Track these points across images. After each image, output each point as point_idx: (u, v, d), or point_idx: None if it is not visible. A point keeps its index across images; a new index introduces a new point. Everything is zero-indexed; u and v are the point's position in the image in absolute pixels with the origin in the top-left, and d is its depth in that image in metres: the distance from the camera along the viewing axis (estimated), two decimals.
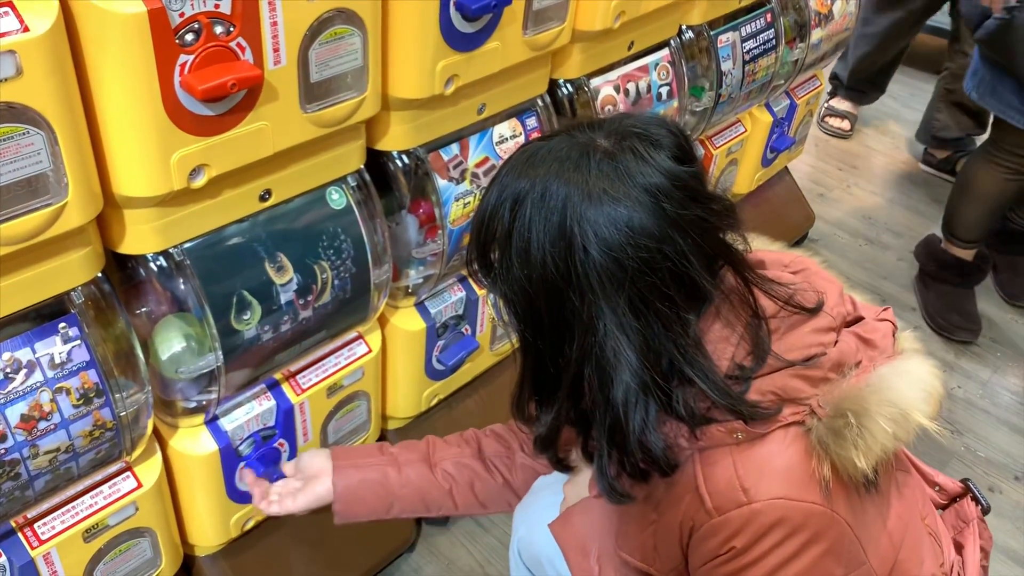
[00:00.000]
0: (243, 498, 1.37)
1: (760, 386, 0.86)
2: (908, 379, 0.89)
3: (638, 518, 0.95)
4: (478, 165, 1.44)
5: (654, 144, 0.84)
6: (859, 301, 0.99)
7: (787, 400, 0.86)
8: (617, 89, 1.65)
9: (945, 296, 2.44)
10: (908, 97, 3.66)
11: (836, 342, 0.90)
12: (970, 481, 1.15)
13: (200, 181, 1.04)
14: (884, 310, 0.99)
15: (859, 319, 0.96)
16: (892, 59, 3.08)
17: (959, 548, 1.10)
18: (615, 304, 0.81)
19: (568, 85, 1.60)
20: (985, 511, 1.14)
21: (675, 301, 0.82)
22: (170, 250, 1.11)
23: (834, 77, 3.25)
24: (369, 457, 1.20)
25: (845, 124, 3.25)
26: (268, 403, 1.33)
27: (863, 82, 3.17)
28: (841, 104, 3.26)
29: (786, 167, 2.65)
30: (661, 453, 0.86)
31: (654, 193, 0.81)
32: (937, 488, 1.16)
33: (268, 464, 1.33)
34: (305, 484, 1.18)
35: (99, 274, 1.08)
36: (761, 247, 1.10)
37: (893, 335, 0.96)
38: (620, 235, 0.80)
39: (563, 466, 1.03)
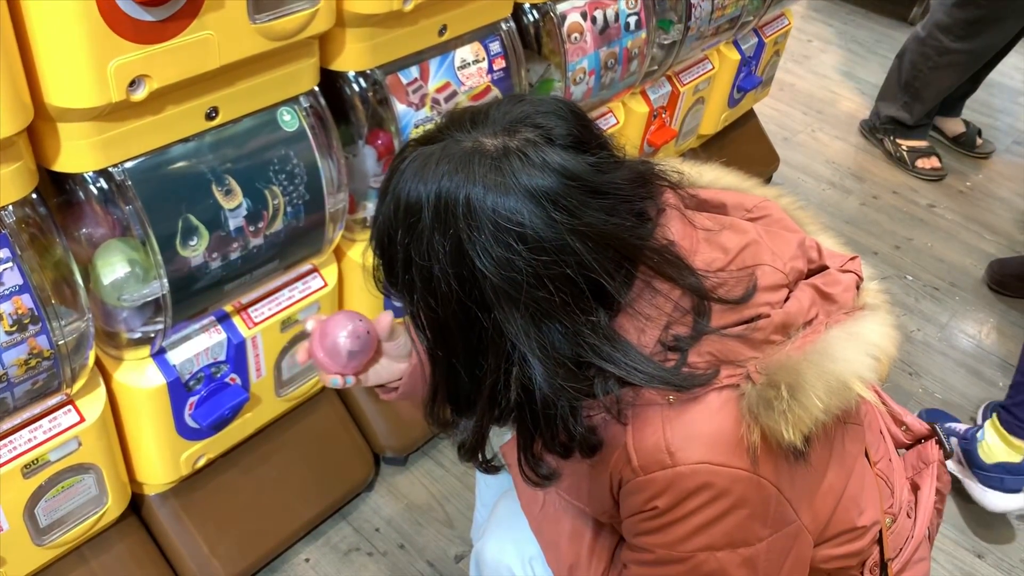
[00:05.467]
0: (193, 435, 1.32)
1: (697, 348, 0.83)
2: (856, 344, 0.86)
3: (573, 463, 0.92)
4: (439, 90, 1.38)
5: (546, 138, 0.79)
6: (825, 248, 0.95)
7: (724, 362, 0.83)
8: (584, 16, 1.59)
9: None
10: (874, 43, 3.64)
11: (787, 298, 0.87)
12: (937, 424, 1.14)
13: (140, 94, 0.98)
14: (851, 259, 0.95)
15: (823, 268, 0.92)
16: (971, 83, 2.86)
17: (916, 488, 1.09)
18: (514, 317, 0.79)
19: (534, 11, 1.54)
20: (947, 455, 1.13)
21: (579, 305, 0.79)
22: (110, 170, 1.05)
23: (890, 121, 2.92)
24: None
25: (935, 162, 2.90)
26: (218, 336, 1.28)
27: (932, 112, 2.89)
28: (918, 143, 2.91)
29: (752, 109, 2.61)
30: (587, 440, 0.85)
31: (545, 202, 0.76)
32: (904, 428, 1.15)
33: (213, 409, 1.28)
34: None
35: (34, 195, 1.01)
36: (733, 183, 1.07)
37: (858, 287, 0.93)
38: (512, 252, 0.76)
39: (493, 469, 0.98)
